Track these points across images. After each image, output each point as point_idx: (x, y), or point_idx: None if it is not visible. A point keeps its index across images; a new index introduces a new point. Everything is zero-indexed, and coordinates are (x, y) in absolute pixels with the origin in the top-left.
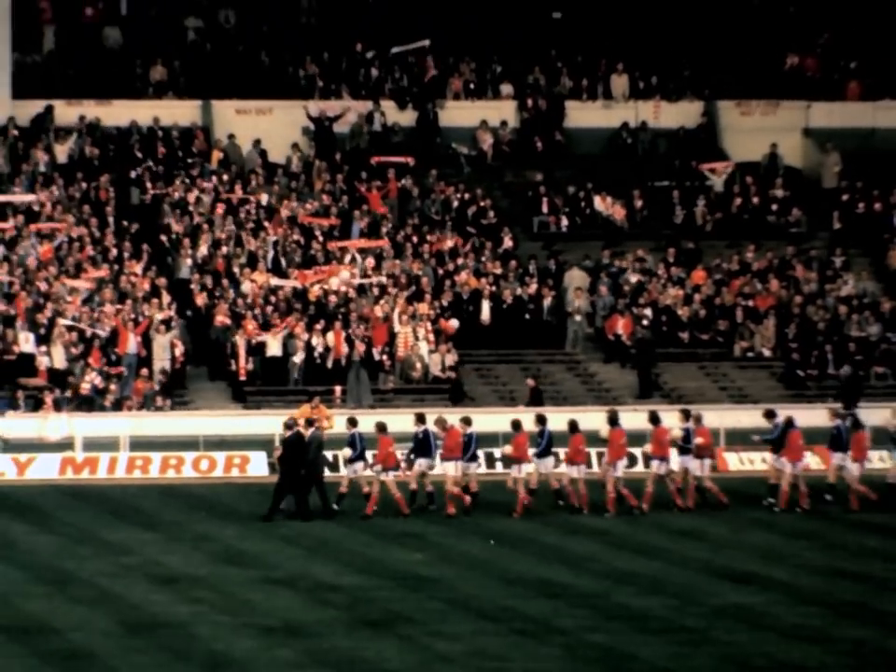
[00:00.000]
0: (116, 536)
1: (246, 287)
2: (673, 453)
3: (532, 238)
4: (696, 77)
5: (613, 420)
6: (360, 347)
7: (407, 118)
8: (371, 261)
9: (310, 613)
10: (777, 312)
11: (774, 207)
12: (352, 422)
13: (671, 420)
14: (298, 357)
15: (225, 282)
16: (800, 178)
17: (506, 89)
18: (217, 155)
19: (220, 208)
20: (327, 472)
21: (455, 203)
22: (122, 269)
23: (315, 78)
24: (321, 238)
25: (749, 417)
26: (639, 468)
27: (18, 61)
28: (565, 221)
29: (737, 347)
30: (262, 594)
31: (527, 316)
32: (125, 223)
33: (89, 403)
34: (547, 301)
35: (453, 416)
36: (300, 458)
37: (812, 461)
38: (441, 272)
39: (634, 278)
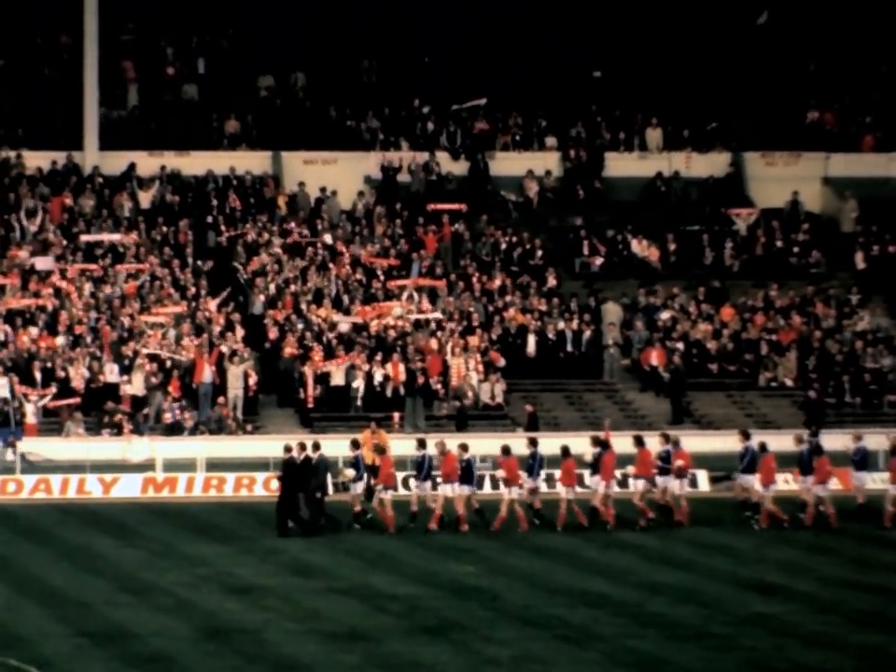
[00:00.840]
0: (193, 549)
1: (313, 321)
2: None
3: (574, 277)
4: (724, 130)
5: (640, 442)
6: (417, 378)
7: (460, 167)
8: (427, 299)
9: (370, 620)
10: (799, 345)
11: (795, 249)
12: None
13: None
14: (359, 386)
15: (293, 317)
16: (820, 223)
17: (550, 141)
18: (285, 201)
19: (289, 250)
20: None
21: (504, 246)
22: (199, 305)
23: (377, 132)
24: (382, 277)
25: (773, 442)
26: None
27: (104, 115)
28: (599, 260)
29: (762, 377)
30: (327, 602)
31: (569, 349)
32: (202, 263)
33: (169, 428)
34: (586, 335)
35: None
36: (294, 479)
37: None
38: (490, 308)
39: (667, 314)
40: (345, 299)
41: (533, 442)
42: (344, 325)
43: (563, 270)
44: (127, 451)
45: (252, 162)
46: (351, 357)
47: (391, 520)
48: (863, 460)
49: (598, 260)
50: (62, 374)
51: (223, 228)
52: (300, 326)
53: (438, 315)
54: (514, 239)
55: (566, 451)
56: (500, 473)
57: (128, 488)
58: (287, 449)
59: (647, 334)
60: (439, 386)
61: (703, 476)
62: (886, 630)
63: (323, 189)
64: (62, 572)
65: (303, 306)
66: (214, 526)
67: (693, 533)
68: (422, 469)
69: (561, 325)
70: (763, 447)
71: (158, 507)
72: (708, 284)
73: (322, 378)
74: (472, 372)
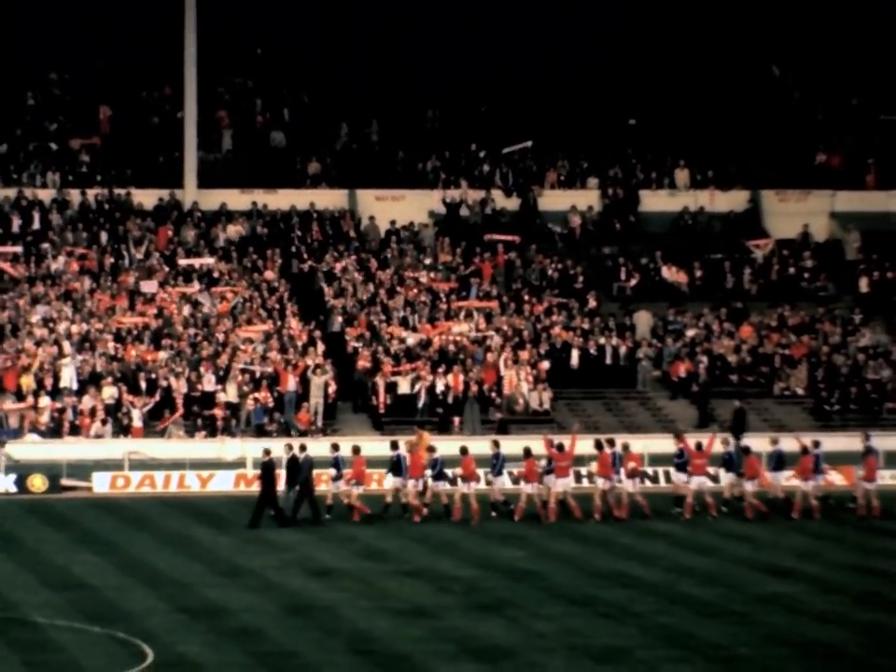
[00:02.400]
0: (278, 537)
1: (384, 338)
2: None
3: (611, 299)
4: (743, 171)
5: (599, 445)
6: (473, 387)
7: (512, 203)
8: (483, 318)
9: (433, 599)
10: (809, 359)
11: (806, 275)
12: (495, 444)
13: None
14: (423, 394)
15: (367, 334)
16: (827, 252)
17: (591, 180)
18: (359, 232)
19: (363, 275)
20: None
21: (550, 272)
22: (284, 324)
23: (439, 172)
24: (444, 299)
25: (785, 444)
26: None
27: (202, 158)
28: (633, 283)
29: (776, 387)
30: (396, 583)
31: (608, 362)
32: (287, 287)
33: (258, 431)
34: (623, 350)
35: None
36: (273, 477)
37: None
38: (538, 326)
39: (693, 331)
40: (412, 318)
41: (496, 444)
42: (411, 340)
43: (602, 293)
44: (221, 450)
45: (331, 199)
46: (417, 368)
47: (419, 509)
48: (779, 461)
49: (633, 284)
50: (164, 384)
51: (305, 256)
52: (372, 342)
53: (493, 332)
54: (559, 266)
55: (599, 445)
56: (458, 471)
57: (222, 483)
58: (267, 452)
59: (675, 349)
60: (493, 394)
61: (724, 474)
62: (887, 609)
63: (392, 223)
64: (164, 556)
65: (376, 324)
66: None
67: (717, 523)
68: (435, 467)
69: (601, 341)
70: (699, 446)
71: (248, 500)
72: (730, 305)
73: (391, 387)
74: (523, 382)
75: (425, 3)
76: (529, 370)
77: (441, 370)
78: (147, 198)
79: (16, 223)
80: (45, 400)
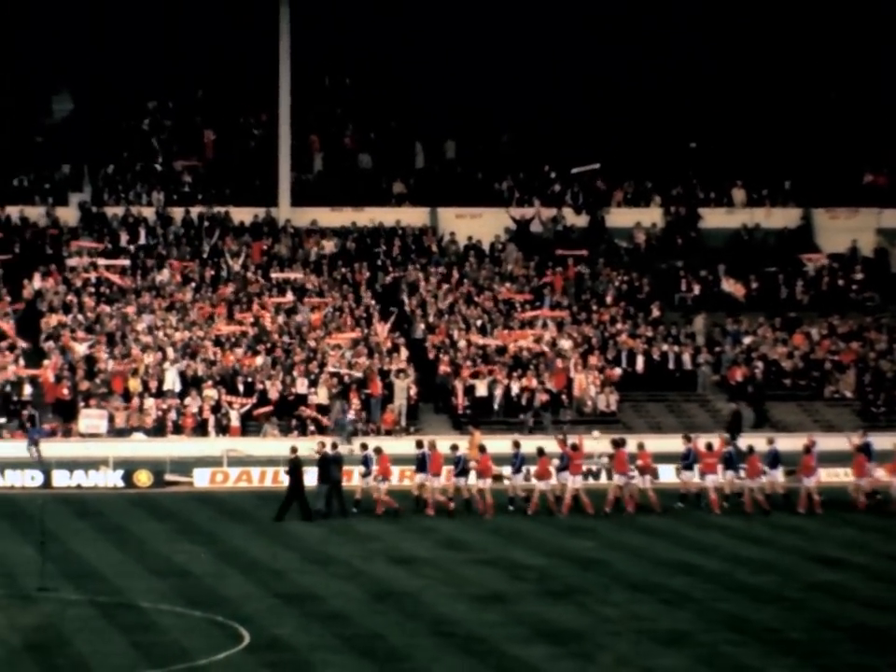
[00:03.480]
0: (365, 527)
1: (462, 344)
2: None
3: (673, 309)
4: (797, 190)
5: (618, 444)
6: (541, 389)
7: (582, 220)
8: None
9: (509, 585)
10: (857, 364)
11: (854, 287)
12: (516, 444)
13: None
14: (499, 396)
15: (447, 341)
16: (873, 266)
17: (655, 199)
18: (440, 247)
19: (443, 286)
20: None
21: (617, 283)
22: (371, 331)
23: (514, 191)
24: (518, 309)
25: (835, 443)
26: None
27: (295, 178)
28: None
29: (827, 390)
30: (473, 571)
31: (670, 367)
32: (374, 298)
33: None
34: (684, 356)
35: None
36: (300, 474)
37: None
38: (606, 334)
39: (749, 339)
40: (489, 326)
41: (516, 444)
42: (488, 347)
43: (665, 303)
44: (312, 448)
45: (414, 217)
46: (493, 372)
47: (490, 506)
48: (775, 460)
49: (693, 294)
50: (260, 387)
51: (390, 269)
52: (451, 348)
53: (564, 339)
54: (625, 278)
55: (617, 443)
56: (473, 464)
57: (313, 478)
58: (294, 449)
59: (733, 355)
60: (564, 397)
61: (779, 471)
62: None
63: (470, 238)
64: (259, 546)
65: (455, 332)
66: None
67: (771, 516)
68: (515, 464)
69: (664, 347)
70: (750, 449)
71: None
72: (783, 314)
73: (469, 390)
74: (591, 386)
75: (498, 30)
76: (597, 374)
77: (515, 374)
78: (244, 215)
79: (123, 238)
80: (150, 402)
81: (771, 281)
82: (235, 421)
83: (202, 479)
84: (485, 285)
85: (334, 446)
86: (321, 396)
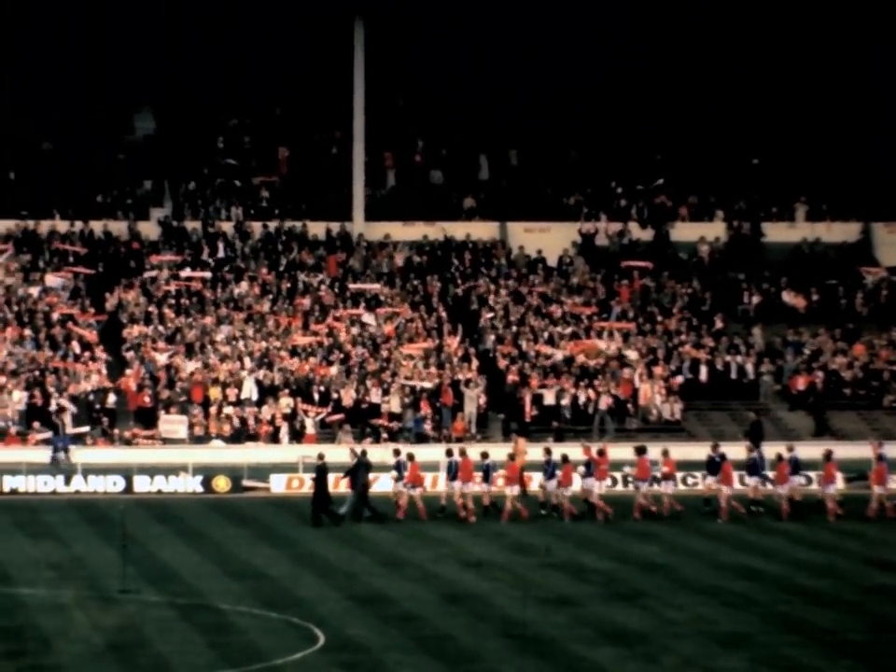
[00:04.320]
0: (436, 532)
1: (531, 355)
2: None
3: (736, 320)
4: (857, 205)
5: (641, 451)
6: (609, 399)
7: (647, 234)
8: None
9: (576, 589)
10: None
11: None
12: (547, 451)
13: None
14: (566, 405)
15: (515, 351)
16: None
17: (719, 214)
18: (509, 260)
19: (512, 298)
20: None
21: (681, 296)
22: (443, 342)
23: (582, 206)
24: (585, 320)
25: (894, 450)
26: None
27: (368, 194)
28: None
29: (886, 399)
30: (542, 574)
31: (733, 377)
32: (445, 310)
33: (418, 437)
34: (747, 366)
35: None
36: (325, 480)
37: None
38: (670, 345)
39: (810, 349)
40: (556, 337)
41: (548, 451)
42: (556, 357)
43: (727, 314)
44: (385, 455)
45: (483, 230)
46: (560, 382)
47: (508, 512)
48: (795, 466)
49: (755, 306)
50: (335, 396)
51: (460, 282)
52: (520, 358)
53: (630, 349)
54: (689, 290)
55: (640, 450)
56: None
57: (385, 485)
58: (320, 456)
59: (794, 365)
60: (630, 406)
61: (839, 477)
62: None
63: (539, 251)
64: (333, 549)
65: (524, 343)
66: (452, 513)
67: (829, 522)
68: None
69: (727, 358)
70: (779, 457)
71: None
72: (843, 326)
73: (537, 399)
74: (656, 395)
75: (564, 49)
76: (662, 384)
77: (582, 383)
78: (319, 229)
79: (202, 252)
80: (228, 410)
81: (831, 293)
82: (311, 428)
83: (278, 484)
84: (553, 297)
85: (363, 453)
86: (393, 404)
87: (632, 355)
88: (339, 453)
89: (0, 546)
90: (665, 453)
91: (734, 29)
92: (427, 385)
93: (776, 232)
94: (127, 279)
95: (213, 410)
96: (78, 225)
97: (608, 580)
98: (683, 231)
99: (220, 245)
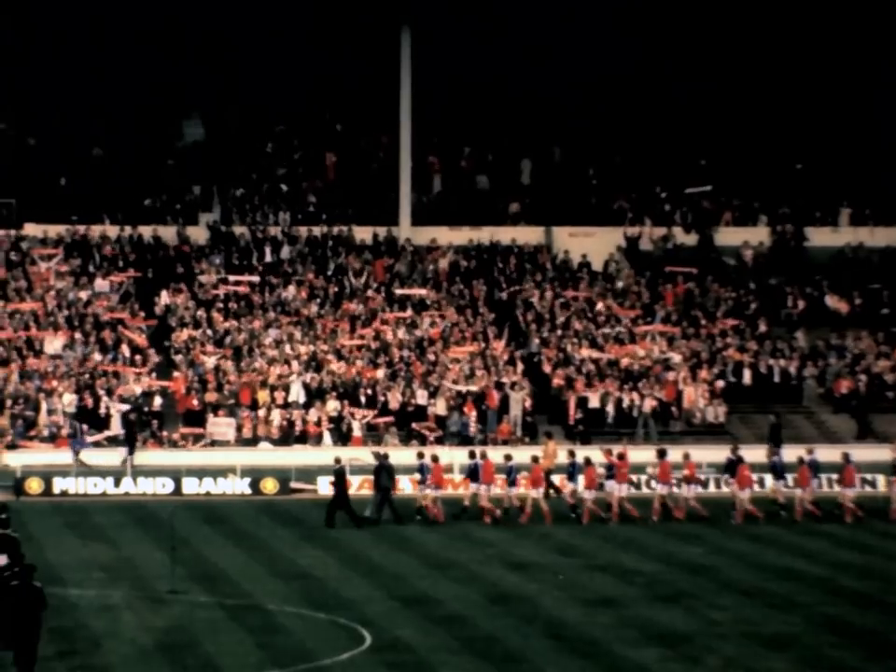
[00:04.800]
0: (482, 534)
1: (576, 358)
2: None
3: (779, 324)
4: None
5: (662, 454)
6: (651, 401)
7: (691, 239)
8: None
9: (619, 590)
10: None
11: None
12: (571, 454)
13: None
14: (611, 409)
15: (560, 355)
16: None
17: (762, 218)
18: (553, 265)
19: (558, 302)
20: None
21: (725, 299)
22: (488, 346)
23: (626, 211)
24: (629, 324)
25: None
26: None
27: (415, 199)
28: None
29: None
30: (585, 576)
31: (776, 380)
32: (491, 313)
33: (464, 440)
34: (790, 369)
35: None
36: (344, 482)
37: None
38: (714, 348)
39: (853, 353)
40: (600, 340)
41: (572, 454)
42: (601, 360)
43: (771, 318)
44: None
45: (529, 235)
46: (605, 385)
47: (528, 515)
48: (780, 469)
49: (798, 310)
50: (381, 399)
51: (505, 286)
52: (565, 362)
53: (674, 353)
54: (733, 294)
55: (661, 453)
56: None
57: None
58: (337, 460)
59: (837, 368)
60: (673, 409)
61: (881, 479)
62: None
63: (584, 256)
64: (380, 551)
65: (568, 346)
66: (474, 515)
67: (873, 524)
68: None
69: (770, 361)
70: (800, 460)
71: (454, 500)
72: (886, 329)
73: (582, 402)
74: (700, 398)
75: (606, 54)
76: (706, 387)
77: (626, 386)
78: (366, 234)
79: (250, 256)
80: (276, 412)
81: (874, 297)
82: (357, 431)
83: (325, 486)
84: (598, 301)
85: (385, 456)
86: (439, 407)
87: (676, 358)
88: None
89: (51, 547)
90: (686, 456)
91: (779, 35)
92: (473, 388)
93: (819, 237)
94: (176, 283)
95: (261, 412)
96: (128, 230)
97: (651, 581)
98: (727, 236)
99: (268, 250)
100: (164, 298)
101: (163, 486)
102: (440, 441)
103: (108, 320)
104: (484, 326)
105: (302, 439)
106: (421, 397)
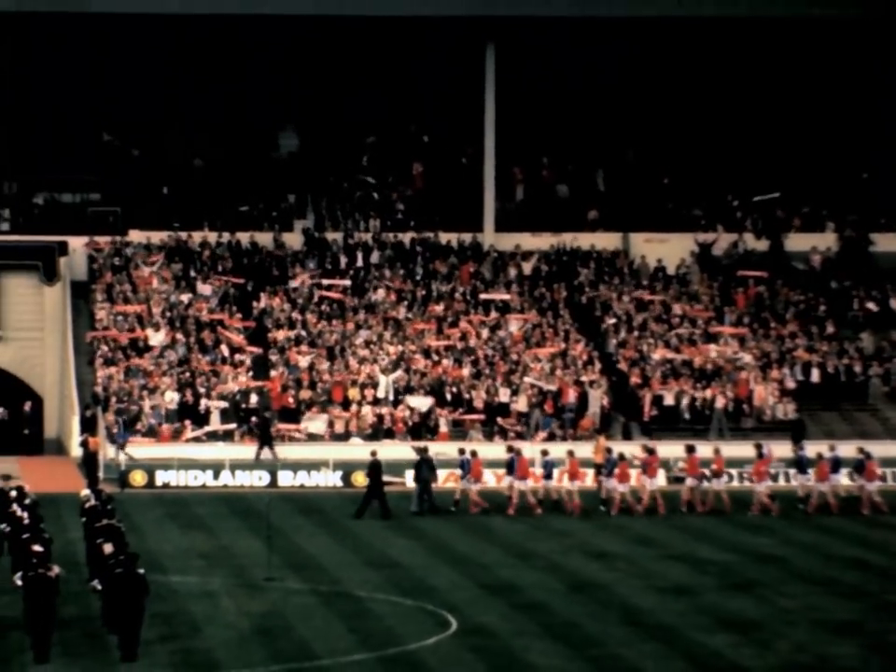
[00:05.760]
0: (561, 525)
1: (651, 358)
2: None
3: (846, 326)
4: None
5: (691, 449)
6: (724, 399)
7: (762, 245)
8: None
9: (693, 579)
10: None
11: None
12: (608, 450)
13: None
14: (685, 406)
15: (636, 354)
16: None
17: (829, 225)
18: (630, 269)
19: (634, 305)
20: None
21: (794, 302)
22: (568, 346)
23: (700, 218)
24: (703, 325)
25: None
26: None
27: (498, 207)
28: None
29: None
30: (661, 565)
31: (843, 379)
32: (571, 316)
33: (548, 437)
34: (857, 369)
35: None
36: (379, 475)
37: None
38: (783, 348)
39: None
40: (675, 341)
41: (608, 450)
42: (675, 360)
43: (838, 320)
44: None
45: (607, 241)
46: (679, 384)
47: (577, 506)
48: (836, 465)
49: (864, 312)
50: (466, 396)
51: (585, 289)
52: (641, 361)
53: (745, 353)
54: (802, 297)
55: (690, 448)
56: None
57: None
58: (373, 453)
59: None
60: (745, 406)
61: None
62: None
63: (659, 261)
64: (465, 541)
65: (644, 347)
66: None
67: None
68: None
69: (837, 361)
70: (819, 456)
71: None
72: None
73: (657, 399)
74: (770, 396)
75: (678, 67)
76: (776, 385)
77: (700, 385)
78: (451, 240)
79: (342, 261)
80: (366, 409)
81: None
82: (443, 426)
83: (412, 479)
84: (672, 304)
85: (425, 450)
86: (521, 404)
87: (747, 358)
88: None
89: (153, 536)
90: (717, 451)
91: (847, 43)
92: (553, 386)
93: (885, 242)
94: (272, 287)
95: (352, 409)
96: (226, 236)
97: (723, 570)
98: (796, 242)
99: (359, 255)
100: (262, 301)
101: (260, 479)
102: (521, 436)
103: (208, 321)
104: (565, 328)
105: (391, 434)
106: (504, 394)
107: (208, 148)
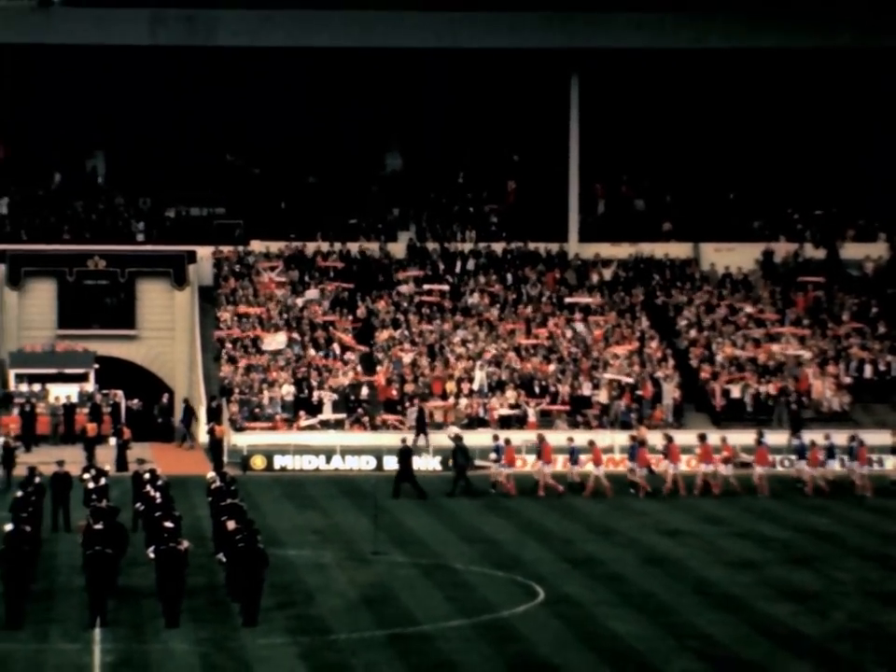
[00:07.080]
0: (639, 505)
1: (720, 355)
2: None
3: None
4: None
5: (703, 438)
6: (785, 392)
7: (820, 253)
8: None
9: (757, 554)
10: None
11: None
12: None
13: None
14: (750, 398)
15: (706, 352)
16: None
17: (881, 235)
18: (701, 276)
19: (704, 307)
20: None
21: (849, 305)
22: (644, 344)
23: (763, 229)
24: (767, 326)
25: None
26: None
27: (581, 219)
28: None
29: None
30: (728, 541)
31: (894, 374)
32: (647, 317)
33: (622, 424)
34: None
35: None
36: (409, 460)
37: None
38: (839, 347)
39: None
40: (741, 340)
41: (669, 439)
42: (741, 357)
43: (890, 321)
44: (599, 439)
45: (680, 250)
46: (744, 377)
47: (608, 488)
48: (830, 452)
49: None
50: (553, 389)
51: (659, 293)
52: (711, 358)
53: (804, 351)
54: (856, 301)
55: (702, 437)
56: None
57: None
58: (403, 440)
59: None
60: (804, 398)
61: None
62: None
63: (727, 268)
64: (552, 519)
65: (714, 345)
66: (655, 490)
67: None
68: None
69: (889, 358)
70: (812, 443)
71: (613, 476)
72: None
73: (726, 392)
74: (827, 390)
75: (745, 96)
76: (832, 380)
77: (763, 379)
78: (539, 249)
79: (441, 268)
80: (463, 401)
81: None
82: (532, 417)
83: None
84: (739, 307)
85: (459, 438)
86: (602, 397)
87: (806, 355)
88: (555, 437)
89: (272, 514)
90: (724, 439)
91: None
92: (630, 380)
93: None
94: (378, 291)
95: (450, 401)
96: (338, 245)
97: (785, 546)
98: (851, 251)
99: (457, 263)
100: (369, 303)
101: (367, 463)
102: (602, 425)
103: (321, 322)
104: (641, 328)
105: (485, 423)
106: (586, 388)
107: (322, 167)
